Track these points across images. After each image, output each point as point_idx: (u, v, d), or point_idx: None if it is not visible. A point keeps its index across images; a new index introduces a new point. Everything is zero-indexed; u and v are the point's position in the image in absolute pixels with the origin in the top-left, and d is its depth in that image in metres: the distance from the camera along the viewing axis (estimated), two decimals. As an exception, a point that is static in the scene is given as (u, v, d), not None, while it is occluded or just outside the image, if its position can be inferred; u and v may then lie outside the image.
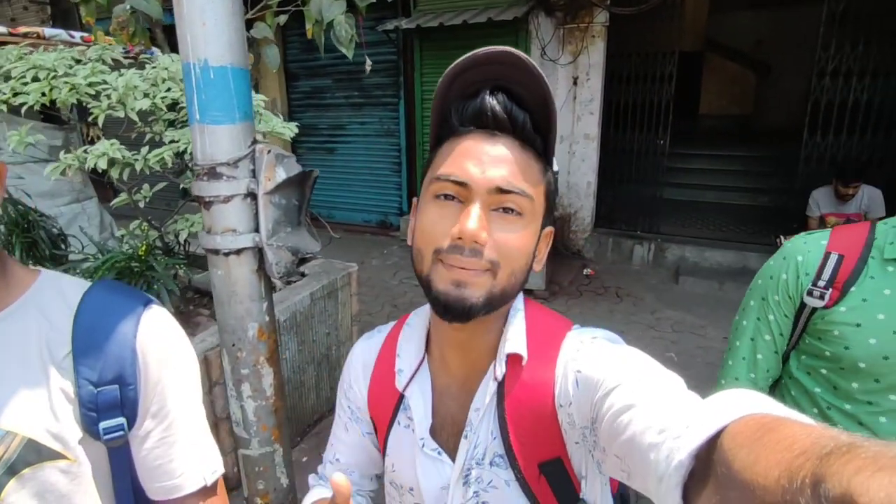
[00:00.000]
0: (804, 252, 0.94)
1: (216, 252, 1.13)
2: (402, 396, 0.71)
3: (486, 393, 0.64)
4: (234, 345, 1.21)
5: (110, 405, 0.64)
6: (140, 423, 0.68)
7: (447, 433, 0.68)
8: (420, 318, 0.74)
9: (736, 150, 6.60)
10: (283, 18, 2.35)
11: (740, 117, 8.17)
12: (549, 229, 0.66)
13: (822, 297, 0.90)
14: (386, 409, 0.72)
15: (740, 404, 0.39)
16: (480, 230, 0.55)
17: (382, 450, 0.74)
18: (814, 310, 0.91)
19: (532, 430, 0.62)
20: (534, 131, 0.59)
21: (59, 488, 0.62)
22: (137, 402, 0.67)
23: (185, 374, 0.72)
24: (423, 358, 0.71)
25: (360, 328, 3.32)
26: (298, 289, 2.78)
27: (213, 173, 1.08)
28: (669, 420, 0.43)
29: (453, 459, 0.66)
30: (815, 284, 0.91)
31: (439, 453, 0.67)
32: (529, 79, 0.57)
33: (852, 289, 0.88)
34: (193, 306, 2.64)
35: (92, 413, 0.63)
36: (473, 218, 0.55)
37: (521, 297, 0.68)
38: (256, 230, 1.13)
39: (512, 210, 0.58)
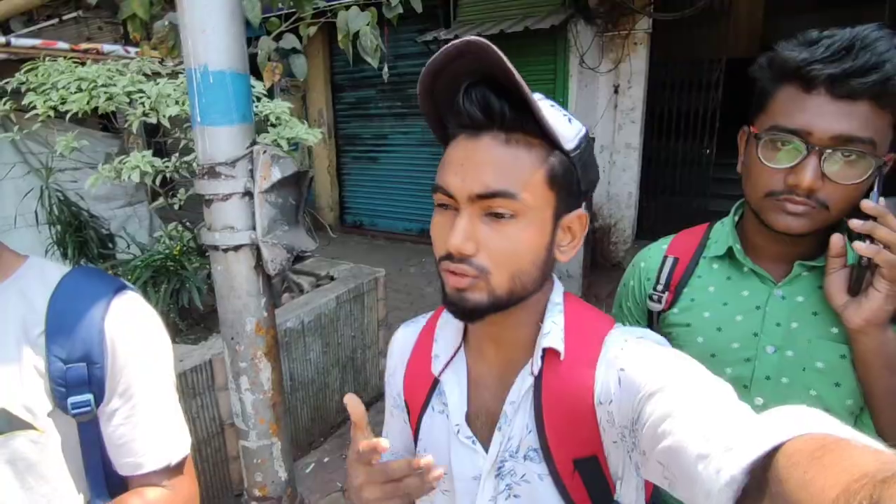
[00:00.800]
0: (647, 258, 0.95)
1: (216, 248, 1.19)
2: (436, 381, 0.71)
3: (521, 387, 0.64)
4: (232, 338, 1.26)
5: (78, 381, 0.69)
6: (107, 400, 0.72)
7: (481, 423, 0.68)
8: None
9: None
10: (313, 30, 2.44)
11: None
12: (577, 213, 0.62)
13: (659, 300, 0.90)
14: (420, 393, 0.73)
15: (800, 421, 0.38)
16: (464, 243, 0.55)
17: (414, 434, 0.75)
18: (658, 314, 0.90)
19: (568, 426, 0.61)
20: (520, 115, 0.55)
21: (28, 457, 0.67)
22: (104, 380, 0.71)
23: (152, 356, 0.76)
24: (460, 345, 0.71)
25: (387, 333, 3.36)
26: (324, 292, 2.85)
27: (212, 172, 1.14)
28: (720, 431, 0.42)
29: (486, 450, 0.66)
30: (654, 289, 0.91)
31: (473, 442, 0.66)
32: (493, 63, 0.53)
33: (684, 290, 0.88)
34: (225, 306, 2.76)
35: (61, 388, 0.68)
36: (457, 232, 0.56)
37: (560, 290, 0.67)
38: (254, 228, 1.18)
39: (504, 213, 0.56)
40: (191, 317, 2.51)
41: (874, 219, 0.68)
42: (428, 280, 5.47)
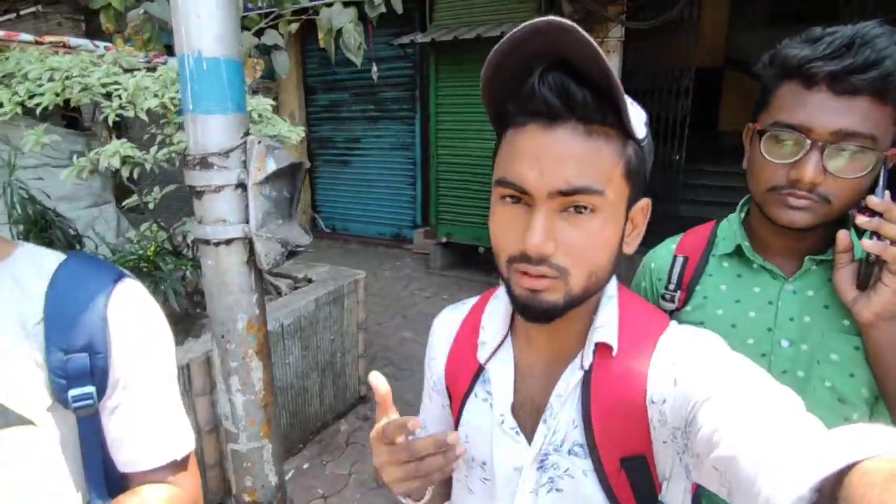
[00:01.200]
0: (656, 258, 0.96)
1: (207, 242, 1.14)
2: (481, 369, 0.69)
3: (570, 380, 0.62)
4: (223, 336, 1.21)
5: (80, 373, 0.65)
6: (110, 393, 0.68)
7: (525, 413, 0.66)
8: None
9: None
10: (294, 27, 2.40)
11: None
12: (644, 202, 0.61)
13: (672, 299, 0.91)
14: (463, 379, 0.71)
15: (875, 440, 0.36)
16: (545, 243, 0.52)
17: (456, 420, 0.73)
18: (671, 314, 0.91)
19: (617, 424, 0.59)
20: (601, 104, 0.51)
21: (24, 454, 0.62)
22: (107, 371, 0.67)
23: (156, 347, 0.72)
24: (507, 334, 0.69)
25: (367, 336, 3.31)
26: (303, 294, 2.79)
27: (204, 163, 1.09)
28: (786, 445, 0.41)
29: (530, 441, 0.64)
30: (666, 288, 0.92)
31: (517, 433, 0.65)
32: (578, 45, 0.49)
33: (696, 288, 0.89)
34: (200, 309, 2.67)
35: (62, 380, 0.64)
36: (536, 230, 0.52)
37: (614, 283, 0.65)
38: (247, 221, 1.14)
39: (583, 208, 0.53)
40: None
41: (881, 215, 0.70)
42: (403, 284, 5.44)
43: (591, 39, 0.48)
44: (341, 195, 7.12)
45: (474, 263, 5.78)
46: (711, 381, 0.52)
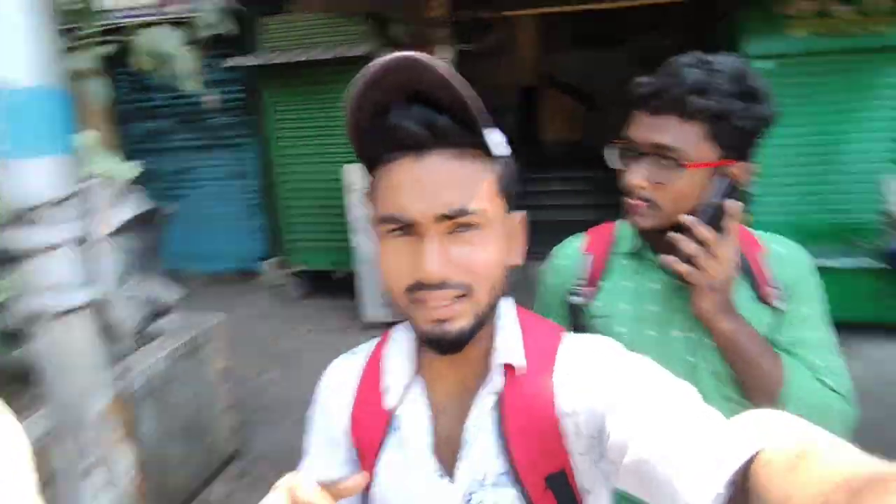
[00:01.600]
0: (564, 256, 1.05)
1: (40, 316, 0.92)
2: (392, 416, 0.64)
3: (481, 409, 0.61)
4: (73, 429, 0.98)
5: None
6: None
7: (444, 453, 0.62)
8: (406, 331, 0.67)
9: (574, 171, 7.32)
10: (110, 48, 2.09)
11: (572, 143, 9.15)
12: (520, 215, 0.63)
13: (581, 295, 0.99)
14: (375, 431, 0.66)
15: (771, 428, 0.38)
16: (441, 268, 0.52)
17: (371, 475, 0.65)
18: (580, 308, 0.99)
19: (536, 443, 0.59)
20: (463, 128, 0.53)
21: None
22: None
23: (14, 469, 0.55)
24: (415, 373, 0.65)
25: (231, 385, 2.99)
26: (153, 350, 2.42)
27: (25, 219, 0.88)
28: (693, 443, 0.42)
29: (453, 482, 0.61)
30: (575, 284, 1.00)
31: (440, 475, 0.61)
32: (430, 75, 0.50)
33: (603, 284, 0.98)
34: None
35: None
36: (430, 256, 0.52)
37: (509, 302, 0.65)
38: (95, 282, 0.94)
39: (469, 226, 0.54)
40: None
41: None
42: (260, 321, 5.05)
43: (442, 67, 0.49)
44: (175, 233, 6.38)
45: (331, 289, 5.60)
46: (615, 388, 0.55)
